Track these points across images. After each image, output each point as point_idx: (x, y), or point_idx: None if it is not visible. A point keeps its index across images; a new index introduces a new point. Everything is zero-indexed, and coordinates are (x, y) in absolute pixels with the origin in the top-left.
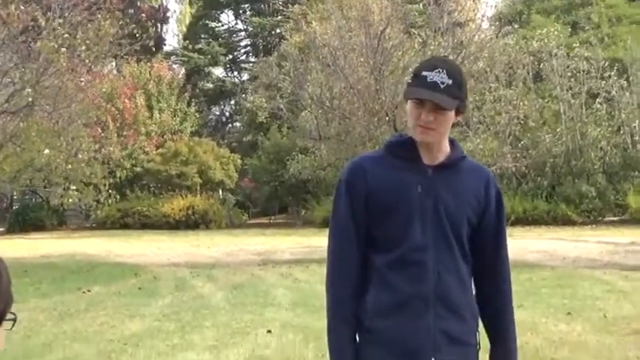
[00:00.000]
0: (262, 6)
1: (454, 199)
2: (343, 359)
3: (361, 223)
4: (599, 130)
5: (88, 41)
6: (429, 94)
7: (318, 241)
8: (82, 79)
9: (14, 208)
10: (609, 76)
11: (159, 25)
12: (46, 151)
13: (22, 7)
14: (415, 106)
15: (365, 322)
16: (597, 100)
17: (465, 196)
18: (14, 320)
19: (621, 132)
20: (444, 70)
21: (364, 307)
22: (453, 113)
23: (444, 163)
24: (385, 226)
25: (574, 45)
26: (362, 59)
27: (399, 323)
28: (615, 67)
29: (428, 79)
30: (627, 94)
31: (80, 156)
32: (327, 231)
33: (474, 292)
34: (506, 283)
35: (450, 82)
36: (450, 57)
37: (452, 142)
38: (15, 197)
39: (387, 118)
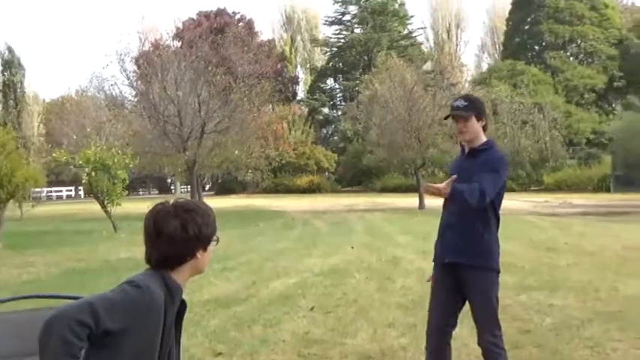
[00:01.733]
0: (349, 75)
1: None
2: None
3: None
4: (527, 141)
5: (257, 94)
6: (454, 112)
7: (377, 199)
8: (255, 115)
9: (219, 182)
10: (533, 112)
11: (294, 85)
12: (236, 152)
13: (222, 76)
14: (455, 123)
15: None
16: (526, 125)
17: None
18: (217, 240)
19: (539, 142)
20: (461, 99)
21: None
22: (474, 120)
23: (473, 149)
24: None
25: (515, 95)
26: (401, 103)
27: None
28: (537, 107)
29: (453, 105)
30: (543, 122)
31: (253, 155)
32: (383, 195)
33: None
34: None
35: (466, 103)
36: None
37: (488, 142)
38: (219, 176)
39: (414, 134)
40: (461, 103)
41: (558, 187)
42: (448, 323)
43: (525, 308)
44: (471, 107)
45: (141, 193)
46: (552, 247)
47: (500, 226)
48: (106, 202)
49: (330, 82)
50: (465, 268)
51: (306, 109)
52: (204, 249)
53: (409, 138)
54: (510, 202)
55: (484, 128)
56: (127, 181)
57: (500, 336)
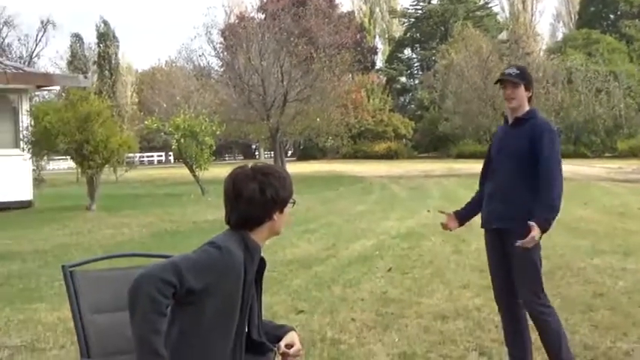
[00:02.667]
0: (425, 45)
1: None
2: None
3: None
4: (601, 109)
5: (338, 64)
6: (505, 77)
7: (453, 165)
8: (335, 84)
9: (300, 148)
10: (608, 80)
11: (373, 55)
12: (317, 119)
13: (304, 46)
14: (502, 89)
15: None
16: (601, 93)
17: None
18: (294, 203)
19: (614, 110)
20: (514, 67)
21: None
22: (523, 89)
23: (517, 119)
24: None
25: (589, 64)
26: (477, 72)
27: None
28: (611, 75)
29: (505, 72)
30: (617, 90)
31: (333, 122)
32: (459, 161)
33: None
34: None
35: (518, 72)
36: None
37: (532, 109)
38: (301, 142)
39: (489, 102)
40: (513, 71)
41: (632, 154)
42: (510, 290)
43: (598, 271)
44: (522, 76)
45: (227, 158)
46: (625, 212)
47: (574, 191)
48: (194, 166)
49: (407, 52)
50: (510, 233)
51: (385, 78)
52: (281, 211)
53: (484, 106)
54: (584, 169)
55: (529, 100)
56: (214, 147)
57: (545, 297)
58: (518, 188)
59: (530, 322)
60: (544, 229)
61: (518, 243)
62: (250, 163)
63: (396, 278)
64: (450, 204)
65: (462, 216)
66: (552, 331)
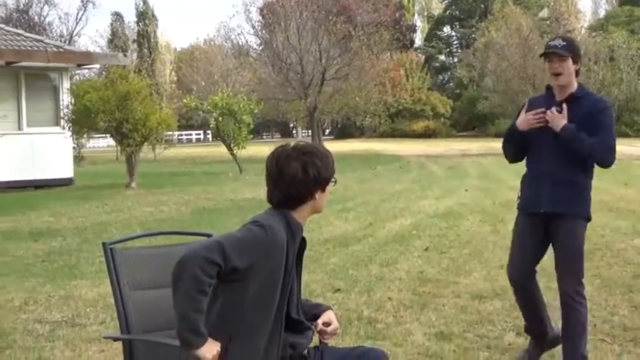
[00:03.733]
0: (465, 22)
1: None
2: None
3: None
4: None
5: (376, 42)
6: (552, 50)
7: (491, 144)
8: (373, 62)
9: (338, 126)
10: None
11: (411, 33)
12: (356, 98)
13: (342, 25)
14: (548, 63)
15: None
16: None
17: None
18: (335, 182)
19: None
20: (559, 39)
21: None
22: (571, 62)
23: (571, 95)
24: None
25: (632, 41)
26: (517, 50)
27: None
28: None
29: (551, 45)
30: None
31: (371, 101)
32: (498, 140)
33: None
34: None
35: (565, 43)
36: None
37: (582, 87)
38: (338, 121)
39: (529, 81)
40: (559, 42)
41: None
42: (530, 275)
43: (639, 253)
44: (570, 48)
45: (264, 137)
46: None
47: (615, 171)
48: (232, 145)
49: (446, 29)
50: (560, 217)
51: (423, 57)
52: (323, 190)
53: (524, 84)
54: (625, 148)
55: (577, 73)
56: (252, 126)
57: (583, 285)
58: (573, 170)
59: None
60: (566, 136)
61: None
62: (292, 142)
63: (433, 258)
64: (488, 183)
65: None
66: (580, 324)
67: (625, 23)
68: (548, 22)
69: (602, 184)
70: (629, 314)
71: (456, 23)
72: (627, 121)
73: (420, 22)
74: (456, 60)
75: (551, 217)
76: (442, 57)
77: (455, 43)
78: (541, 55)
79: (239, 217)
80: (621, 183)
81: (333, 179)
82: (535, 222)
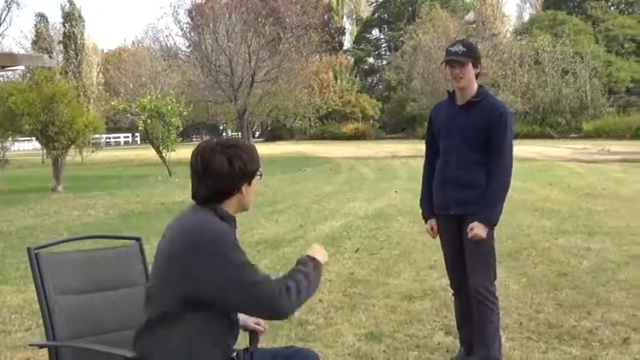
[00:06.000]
0: (393, 25)
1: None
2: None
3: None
4: (568, 89)
5: (305, 44)
6: (452, 57)
7: (420, 146)
8: (302, 65)
9: (268, 129)
10: (574, 61)
11: (340, 36)
12: (287, 101)
13: (271, 27)
14: (449, 68)
15: None
16: (567, 74)
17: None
18: (260, 175)
19: (579, 91)
20: (459, 44)
21: None
22: (471, 66)
23: (470, 101)
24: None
25: (555, 45)
26: (444, 53)
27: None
28: (577, 57)
29: (451, 51)
30: (583, 70)
31: (301, 103)
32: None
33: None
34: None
35: (464, 49)
36: (489, 52)
37: (481, 87)
38: (268, 123)
39: None
40: (459, 48)
41: (597, 135)
42: (464, 278)
43: (563, 251)
44: (469, 53)
45: (194, 139)
46: (590, 192)
47: (539, 172)
48: (161, 147)
49: (375, 32)
50: (468, 219)
51: (352, 59)
52: (249, 183)
53: (451, 86)
54: (550, 149)
55: (477, 76)
56: (181, 128)
57: (494, 286)
58: (475, 172)
59: None
60: (493, 225)
61: (470, 235)
62: (215, 138)
63: (364, 259)
64: (417, 185)
65: (432, 213)
66: (492, 324)
67: (549, 27)
68: (474, 25)
69: (526, 184)
70: (554, 312)
71: (385, 26)
72: (551, 122)
73: (349, 25)
74: (384, 62)
75: (462, 219)
76: (371, 59)
77: (383, 45)
78: (442, 63)
79: (168, 220)
80: (546, 183)
81: (258, 172)
82: (449, 223)
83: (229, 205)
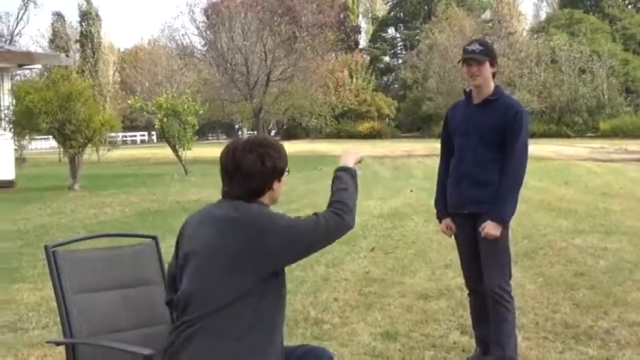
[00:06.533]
0: (409, 24)
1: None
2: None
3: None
4: (585, 88)
5: (321, 43)
6: (470, 55)
7: (436, 145)
8: (318, 63)
9: (284, 127)
10: (591, 60)
11: (356, 34)
12: (303, 99)
13: (287, 26)
14: (466, 67)
15: None
16: (584, 73)
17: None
18: (288, 171)
19: (596, 90)
20: (476, 43)
21: None
22: (488, 65)
23: (487, 100)
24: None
25: (572, 43)
26: (460, 52)
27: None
28: (594, 55)
29: (468, 49)
30: (600, 70)
31: (317, 102)
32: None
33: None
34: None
35: (482, 48)
36: (506, 51)
37: (497, 87)
38: (284, 122)
39: None
40: (476, 47)
41: (614, 134)
42: (479, 277)
43: (580, 251)
44: (486, 52)
45: (210, 138)
46: (607, 192)
47: (556, 171)
48: (177, 146)
49: (391, 31)
50: (484, 217)
51: (368, 58)
52: (279, 180)
53: (467, 85)
54: (566, 148)
55: (493, 75)
56: (197, 127)
57: (510, 285)
58: (490, 170)
59: None
60: (505, 222)
61: (483, 234)
62: (243, 137)
63: (379, 258)
64: (432, 184)
65: (446, 212)
66: (508, 323)
67: (565, 26)
68: (490, 24)
69: (543, 184)
70: (571, 312)
71: (401, 25)
72: (568, 121)
73: (364, 24)
74: (400, 61)
75: (477, 217)
76: (387, 58)
77: (399, 44)
78: (459, 62)
79: (184, 219)
80: (562, 183)
81: (287, 168)
82: (464, 222)
83: (263, 201)
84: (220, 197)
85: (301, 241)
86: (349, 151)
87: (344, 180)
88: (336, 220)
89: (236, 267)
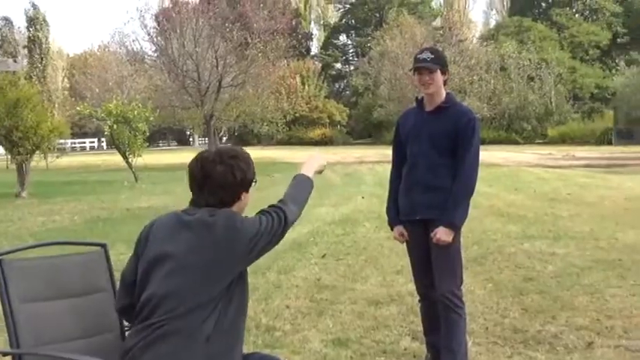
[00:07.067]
0: (360, 31)
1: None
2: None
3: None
4: (533, 96)
5: (272, 50)
6: (421, 64)
7: (387, 152)
8: (270, 70)
9: (235, 134)
10: (540, 67)
11: (308, 41)
12: (254, 106)
13: (239, 32)
14: (418, 75)
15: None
16: (533, 80)
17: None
18: (256, 182)
19: (545, 97)
20: (427, 51)
21: None
22: (439, 73)
23: (439, 107)
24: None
25: (522, 51)
26: (411, 58)
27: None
28: (543, 63)
29: (420, 58)
30: (548, 77)
31: (268, 108)
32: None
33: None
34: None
35: (433, 56)
36: (456, 58)
37: (448, 94)
38: (235, 128)
39: None
40: (428, 55)
41: (562, 140)
42: (430, 284)
43: (528, 256)
44: (437, 60)
45: (161, 145)
46: (555, 197)
47: (505, 177)
48: (127, 153)
49: (342, 38)
50: (435, 223)
51: (320, 65)
52: (247, 191)
53: (419, 92)
54: (515, 155)
55: (445, 83)
56: (147, 134)
57: (461, 292)
58: (442, 176)
59: None
60: (456, 227)
61: (434, 240)
62: (213, 147)
63: (330, 264)
64: (383, 190)
65: (398, 219)
66: (459, 330)
67: (515, 33)
68: (441, 31)
69: (493, 189)
70: (520, 317)
71: (352, 32)
72: (517, 128)
73: (316, 30)
74: (352, 68)
75: (429, 224)
76: (338, 65)
77: (351, 51)
78: (411, 70)
79: (135, 227)
80: (512, 188)
81: (255, 180)
82: (415, 229)
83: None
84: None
85: (265, 240)
86: (313, 158)
87: (298, 179)
88: (282, 215)
89: (211, 270)
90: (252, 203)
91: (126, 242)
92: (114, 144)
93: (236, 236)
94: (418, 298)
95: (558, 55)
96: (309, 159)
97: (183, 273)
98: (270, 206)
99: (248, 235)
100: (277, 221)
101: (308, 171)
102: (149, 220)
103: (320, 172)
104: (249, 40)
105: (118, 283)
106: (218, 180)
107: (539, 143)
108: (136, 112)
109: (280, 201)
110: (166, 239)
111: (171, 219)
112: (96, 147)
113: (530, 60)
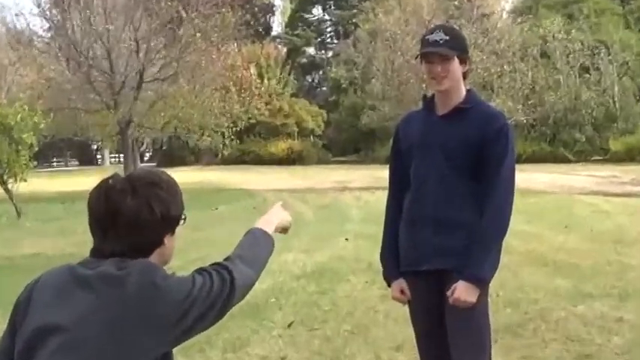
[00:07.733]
0: (342, 2)
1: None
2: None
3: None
4: (588, 93)
5: (216, 28)
6: (432, 49)
7: (381, 174)
8: (213, 56)
9: (163, 149)
10: (597, 53)
11: (267, 16)
12: (191, 109)
13: (168, 3)
14: (427, 65)
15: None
16: (588, 71)
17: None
18: (185, 220)
19: (605, 94)
20: (441, 30)
21: None
22: (457, 62)
23: (456, 108)
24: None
25: (571, 30)
26: (414, 41)
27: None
28: (601, 47)
29: (430, 40)
30: (610, 66)
31: (211, 112)
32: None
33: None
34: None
35: (448, 37)
36: (479, 40)
37: (470, 91)
38: (163, 141)
39: None
40: (440, 36)
41: (630, 158)
42: (445, 351)
43: (585, 324)
44: (455, 44)
45: (55, 164)
46: (621, 239)
47: (551, 210)
48: (5, 176)
49: (316, 11)
50: (451, 276)
51: (285, 49)
52: (172, 232)
53: (425, 88)
54: (564, 177)
55: (465, 76)
56: (36, 148)
57: None
58: (461, 208)
59: None
60: (485, 283)
61: (451, 301)
62: (123, 173)
63: (300, 337)
64: (376, 228)
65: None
66: None
67: (561, 5)
68: (456, 2)
69: (533, 227)
70: None
71: (330, 3)
72: (566, 139)
73: (280, 1)
74: (330, 54)
75: (443, 276)
76: (311, 50)
77: (329, 30)
78: (417, 57)
79: (13, 280)
80: (560, 226)
81: (182, 217)
82: (423, 283)
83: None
84: (88, 255)
85: (199, 309)
86: (276, 212)
87: (254, 233)
88: (227, 277)
89: (117, 348)
90: (191, 247)
91: (2, 306)
92: None
93: (155, 299)
94: None
95: (622, 35)
96: (274, 210)
97: (77, 353)
98: (211, 264)
99: (174, 299)
100: (219, 284)
101: (267, 225)
102: (37, 272)
103: (284, 231)
104: (184, 15)
105: None
106: (129, 218)
107: (597, 161)
108: (19, 118)
109: (226, 259)
110: (54, 304)
111: (62, 275)
112: None
113: (582, 43)
